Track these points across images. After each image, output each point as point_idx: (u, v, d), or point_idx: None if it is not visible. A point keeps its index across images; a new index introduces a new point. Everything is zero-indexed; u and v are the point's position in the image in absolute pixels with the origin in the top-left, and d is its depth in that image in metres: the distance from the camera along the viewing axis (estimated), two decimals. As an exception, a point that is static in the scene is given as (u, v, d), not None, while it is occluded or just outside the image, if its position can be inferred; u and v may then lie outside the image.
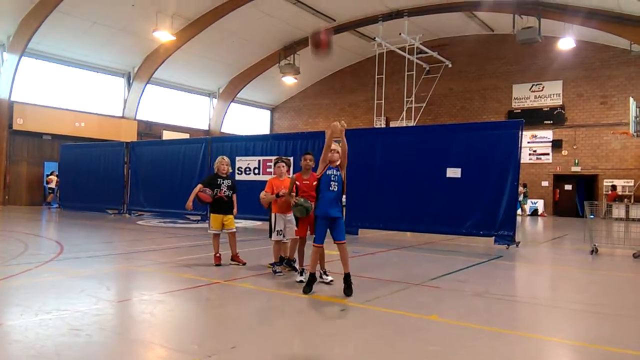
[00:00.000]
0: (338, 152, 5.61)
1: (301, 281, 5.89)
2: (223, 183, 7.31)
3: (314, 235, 5.73)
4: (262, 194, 6.72)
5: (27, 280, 5.90)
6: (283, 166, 6.81)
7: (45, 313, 4.41)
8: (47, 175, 22.20)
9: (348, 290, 5.38)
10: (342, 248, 5.50)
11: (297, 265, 6.68)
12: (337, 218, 5.51)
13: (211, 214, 7.41)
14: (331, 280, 5.99)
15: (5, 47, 20.75)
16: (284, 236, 6.64)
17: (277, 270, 6.62)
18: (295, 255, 6.67)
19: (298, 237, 6.37)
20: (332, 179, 5.59)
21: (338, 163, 5.63)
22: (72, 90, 23.67)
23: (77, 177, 19.06)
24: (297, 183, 6.16)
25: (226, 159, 7.54)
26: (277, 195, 6.49)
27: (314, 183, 5.96)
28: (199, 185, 7.28)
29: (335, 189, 5.56)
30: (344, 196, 7.51)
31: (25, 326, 4.04)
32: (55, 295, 5.20)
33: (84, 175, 18.75)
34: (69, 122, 22.95)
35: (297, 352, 3.78)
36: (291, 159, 12.72)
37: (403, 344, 3.91)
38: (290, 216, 6.71)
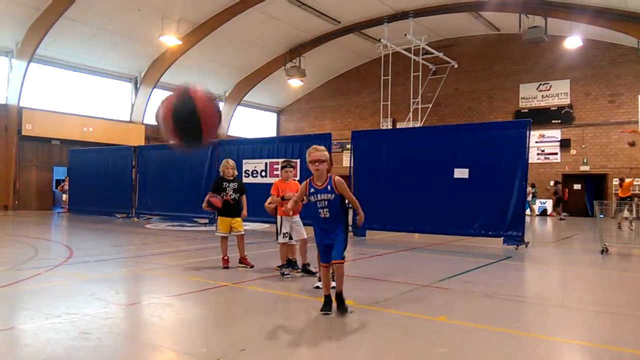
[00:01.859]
0: (325, 161, 4.56)
1: (317, 287, 5.72)
2: (229, 186, 7.34)
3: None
4: (267, 203, 6.72)
5: (37, 285, 5.94)
6: (290, 171, 6.79)
7: (55, 317, 4.43)
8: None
9: (341, 307, 4.60)
10: (336, 267, 4.66)
11: (312, 268, 6.63)
12: (335, 243, 4.63)
13: (219, 217, 7.43)
14: (333, 287, 5.83)
15: (13, 54, 20.96)
16: (290, 238, 6.63)
17: (285, 273, 6.62)
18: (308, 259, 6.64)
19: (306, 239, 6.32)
20: (319, 205, 4.56)
21: (325, 183, 4.54)
22: (80, 96, 23.86)
23: (85, 181, 19.18)
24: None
25: (231, 162, 7.56)
26: (283, 198, 6.48)
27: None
28: (209, 193, 7.34)
29: (327, 215, 4.57)
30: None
31: (35, 330, 4.06)
32: (64, 299, 5.23)
33: (92, 180, 18.86)
34: (77, 127, 23.13)
35: (305, 355, 3.78)
36: (297, 161, 12.76)
37: (412, 346, 3.90)
38: (297, 218, 6.71)
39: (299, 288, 5.96)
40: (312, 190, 4.53)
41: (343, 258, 4.61)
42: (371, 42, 26.29)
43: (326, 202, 4.52)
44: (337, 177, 4.55)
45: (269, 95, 31.76)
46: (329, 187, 4.51)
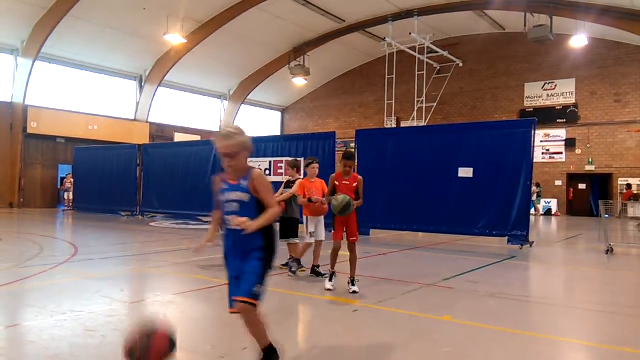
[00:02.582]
0: (237, 153, 3.02)
1: (329, 289, 5.59)
2: None
3: (352, 239, 5.53)
4: (296, 198, 6.73)
5: (42, 282, 5.96)
6: (317, 167, 6.64)
7: (60, 314, 4.45)
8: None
9: None
10: (240, 311, 2.98)
11: (321, 270, 6.53)
12: (245, 272, 3.04)
13: None
14: (355, 291, 5.51)
15: (19, 52, 21.03)
16: (316, 237, 6.57)
17: (292, 269, 6.60)
18: (320, 260, 6.61)
19: (331, 241, 5.96)
20: (227, 209, 3.07)
21: (239, 178, 3.05)
22: (85, 94, 23.91)
23: (90, 179, 19.27)
24: (337, 183, 5.67)
25: None
26: (310, 200, 6.39)
27: (355, 184, 5.62)
28: None
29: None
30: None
31: (40, 327, 4.08)
32: (69, 296, 5.25)
33: (97, 178, 18.94)
34: (83, 125, 23.19)
35: (309, 353, 3.77)
36: (302, 160, 12.78)
37: (415, 345, 3.89)
38: (321, 218, 6.64)
39: (303, 287, 5.96)
40: (224, 186, 3.10)
41: (254, 297, 2.96)
42: (376, 41, 26.24)
43: (237, 206, 3.04)
44: (256, 171, 3.10)
45: (273, 93, 31.76)
46: (243, 183, 3.05)
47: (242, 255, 3.06)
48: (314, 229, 6.54)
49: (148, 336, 2.59)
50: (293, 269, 6.61)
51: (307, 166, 6.70)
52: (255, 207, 3.04)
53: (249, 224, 2.89)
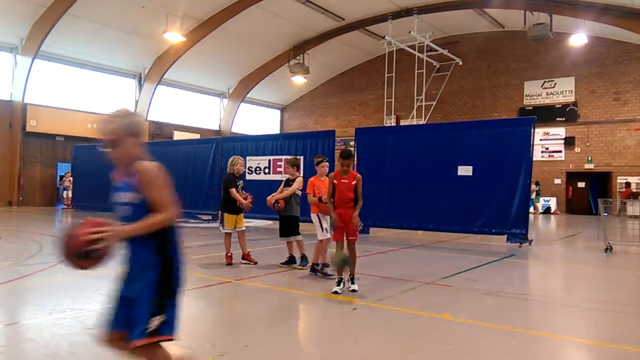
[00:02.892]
0: (117, 140, 2.47)
1: (335, 292, 5.42)
2: (239, 184, 7.38)
3: (352, 238, 5.50)
4: (270, 197, 6.71)
5: (41, 280, 5.96)
6: (326, 165, 6.64)
7: (59, 312, 4.45)
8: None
9: None
10: (138, 356, 2.37)
11: (329, 270, 6.43)
12: (130, 300, 2.41)
13: (225, 214, 7.42)
14: (354, 290, 5.47)
15: (18, 50, 21.00)
16: (329, 234, 6.55)
17: (328, 273, 6.34)
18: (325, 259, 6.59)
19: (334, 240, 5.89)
20: (117, 213, 2.50)
21: (125, 175, 2.51)
22: (84, 92, 23.89)
23: (89, 177, 19.23)
24: (335, 182, 5.62)
25: (242, 159, 7.68)
26: (320, 200, 6.36)
27: (353, 183, 5.55)
28: (233, 190, 7.21)
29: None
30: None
31: (39, 325, 4.08)
32: (69, 294, 5.25)
33: (96, 176, 18.86)
34: (82, 124, 23.15)
35: (309, 351, 3.78)
36: (301, 158, 12.77)
37: (415, 343, 3.90)
38: (329, 218, 6.63)
39: (303, 285, 5.96)
40: (115, 185, 2.55)
41: (150, 335, 2.29)
42: (375, 39, 26.21)
43: (129, 209, 2.41)
44: (143, 163, 2.43)
45: (273, 92, 31.73)
46: (130, 181, 2.43)
47: (130, 273, 2.41)
48: (327, 224, 6.51)
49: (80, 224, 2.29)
50: (329, 273, 6.33)
51: (316, 164, 6.68)
52: (145, 210, 2.36)
53: (113, 234, 2.25)
